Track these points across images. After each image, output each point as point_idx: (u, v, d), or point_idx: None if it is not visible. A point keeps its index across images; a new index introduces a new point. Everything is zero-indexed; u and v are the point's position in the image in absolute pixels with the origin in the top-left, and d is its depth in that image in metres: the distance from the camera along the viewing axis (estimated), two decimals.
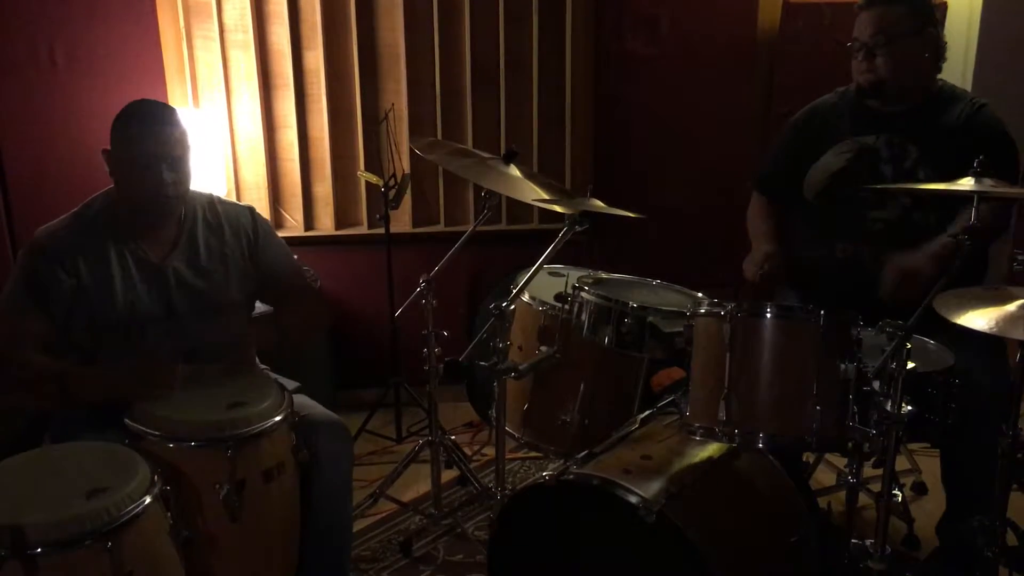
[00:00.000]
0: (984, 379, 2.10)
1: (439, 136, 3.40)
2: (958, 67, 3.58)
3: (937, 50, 2.41)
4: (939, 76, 2.47)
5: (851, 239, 2.48)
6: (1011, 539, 2.07)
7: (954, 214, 2.34)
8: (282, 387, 2.02)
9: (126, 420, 1.83)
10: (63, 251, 1.99)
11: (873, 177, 2.42)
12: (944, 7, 3.57)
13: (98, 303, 2.01)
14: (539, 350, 2.27)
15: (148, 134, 1.96)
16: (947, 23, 3.58)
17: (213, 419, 1.83)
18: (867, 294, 2.26)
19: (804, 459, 2.75)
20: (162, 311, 2.07)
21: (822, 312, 1.75)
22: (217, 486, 1.79)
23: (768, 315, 1.78)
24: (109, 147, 2.01)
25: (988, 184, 1.83)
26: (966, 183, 1.84)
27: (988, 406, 2.05)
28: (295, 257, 2.35)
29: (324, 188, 3.45)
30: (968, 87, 3.53)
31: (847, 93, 2.54)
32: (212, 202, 2.19)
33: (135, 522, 1.56)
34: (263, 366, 2.30)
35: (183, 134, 2.01)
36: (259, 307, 2.37)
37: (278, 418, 1.89)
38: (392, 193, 3.09)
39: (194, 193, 2.13)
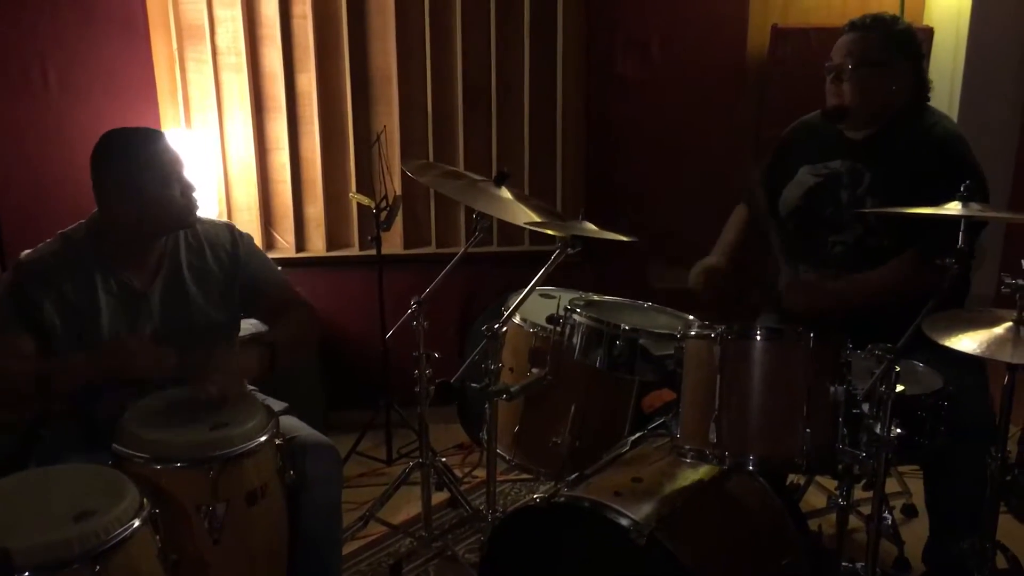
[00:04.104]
0: (971, 401, 2.11)
1: (431, 158, 3.42)
2: (944, 92, 3.62)
3: (914, 82, 2.37)
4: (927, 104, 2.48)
5: (813, 262, 2.49)
6: (1001, 561, 2.07)
7: (907, 238, 2.29)
8: (268, 408, 2.01)
9: (113, 443, 1.82)
10: (50, 275, 1.97)
11: (832, 202, 2.42)
12: (930, 32, 3.61)
13: (85, 330, 1.99)
14: (530, 372, 2.28)
15: (160, 153, 1.99)
16: (933, 48, 3.63)
17: (196, 440, 1.82)
18: (828, 317, 2.26)
19: (795, 481, 2.75)
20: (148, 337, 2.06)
21: (811, 335, 1.76)
22: (200, 508, 1.78)
23: (758, 337, 1.79)
24: (98, 176, 2.00)
25: (975, 208, 1.84)
26: (953, 207, 1.86)
27: (975, 428, 2.06)
28: (280, 269, 2.34)
29: (316, 210, 3.45)
30: (954, 112, 3.57)
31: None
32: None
33: (123, 545, 1.54)
34: (251, 387, 2.29)
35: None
36: (245, 328, 2.36)
37: (262, 439, 1.87)
38: (384, 215, 3.10)
39: None
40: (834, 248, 2.44)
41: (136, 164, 1.97)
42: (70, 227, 2.08)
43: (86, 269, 2.02)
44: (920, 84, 2.41)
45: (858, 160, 2.41)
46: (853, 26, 2.37)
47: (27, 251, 2.02)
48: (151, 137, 2.02)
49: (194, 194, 2.06)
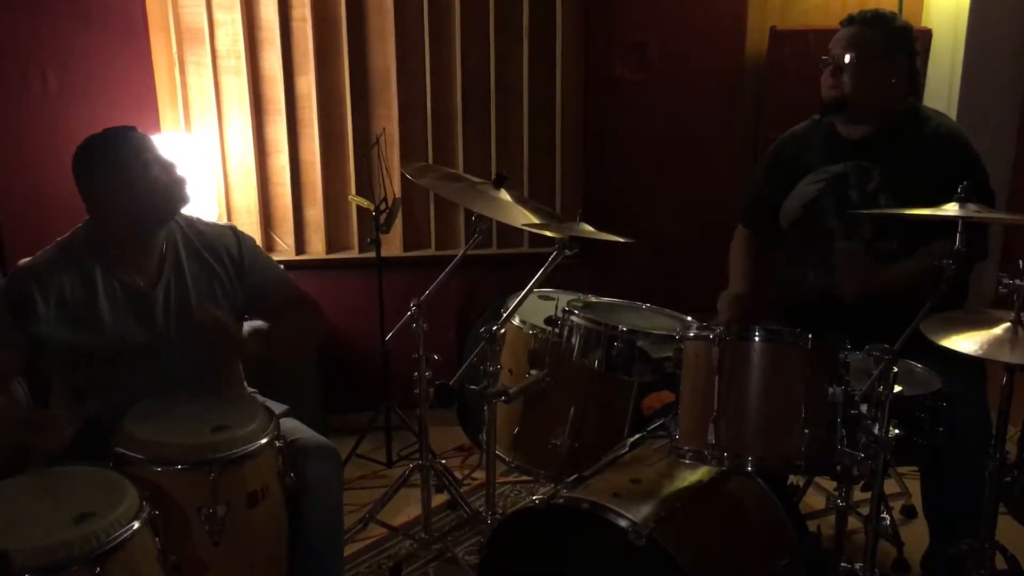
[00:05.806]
0: (969, 403, 2.11)
1: (430, 161, 3.42)
2: (943, 94, 3.62)
3: (908, 78, 2.41)
4: (922, 103, 2.50)
5: (821, 268, 2.48)
6: (1000, 562, 2.08)
7: (916, 241, 2.31)
8: (269, 410, 2.01)
9: (113, 445, 1.82)
10: (48, 279, 1.97)
11: (841, 204, 2.42)
12: (929, 34, 3.62)
13: (86, 331, 1.99)
14: (529, 374, 2.28)
15: (130, 141, 2.00)
16: (932, 50, 3.63)
17: (197, 442, 1.83)
18: (837, 321, 2.26)
19: (794, 482, 2.75)
20: (151, 339, 2.06)
21: (810, 336, 1.76)
22: (200, 510, 1.78)
23: (756, 339, 1.79)
24: (84, 183, 2.01)
25: (972, 209, 1.85)
26: (951, 208, 1.86)
27: (973, 429, 2.06)
28: (282, 268, 2.35)
29: (315, 212, 3.46)
30: (953, 114, 3.57)
31: (819, 120, 2.55)
32: (193, 224, 2.18)
33: (123, 547, 1.55)
34: (251, 389, 2.30)
35: None
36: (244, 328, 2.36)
37: (263, 441, 1.88)
38: (383, 217, 3.10)
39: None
40: (842, 253, 2.44)
41: (113, 158, 1.98)
42: (66, 235, 2.08)
43: (86, 272, 2.01)
44: (914, 80, 2.44)
45: (863, 159, 2.42)
46: (853, 20, 2.40)
47: (24, 259, 2.02)
48: (119, 132, 2.03)
49: (177, 171, 2.05)
